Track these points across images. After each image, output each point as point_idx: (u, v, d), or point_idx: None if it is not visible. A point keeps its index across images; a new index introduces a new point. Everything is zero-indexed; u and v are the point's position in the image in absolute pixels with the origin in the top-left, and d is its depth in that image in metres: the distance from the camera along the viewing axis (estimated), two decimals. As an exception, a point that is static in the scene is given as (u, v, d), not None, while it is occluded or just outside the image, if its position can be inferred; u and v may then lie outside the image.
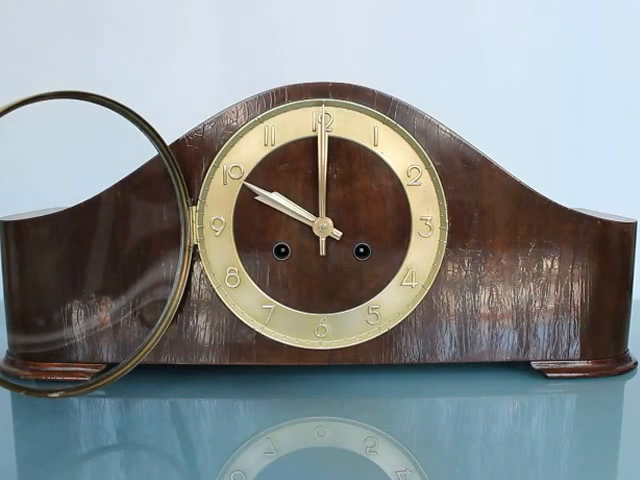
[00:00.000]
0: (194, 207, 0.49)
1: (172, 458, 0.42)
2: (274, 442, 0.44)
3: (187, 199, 0.48)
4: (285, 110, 0.48)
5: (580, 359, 0.52)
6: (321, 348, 0.50)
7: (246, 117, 0.48)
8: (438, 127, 0.48)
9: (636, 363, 0.54)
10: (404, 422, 0.47)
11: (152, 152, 0.47)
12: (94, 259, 0.49)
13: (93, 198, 0.49)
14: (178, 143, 0.48)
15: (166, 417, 0.47)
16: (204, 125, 0.48)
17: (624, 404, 0.51)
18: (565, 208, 0.50)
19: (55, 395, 0.41)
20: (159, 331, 0.48)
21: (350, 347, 0.50)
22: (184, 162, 0.48)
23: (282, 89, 0.48)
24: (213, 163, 0.48)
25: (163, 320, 0.48)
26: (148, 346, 0.47)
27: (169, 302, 0.48)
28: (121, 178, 0.49)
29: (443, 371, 0.53)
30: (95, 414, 0.46)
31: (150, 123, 0.45)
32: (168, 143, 0.47)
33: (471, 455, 0.42)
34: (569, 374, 0.52)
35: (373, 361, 0.51)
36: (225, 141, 0.48)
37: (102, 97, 0.42)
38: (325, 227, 0.48)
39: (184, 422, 0.47)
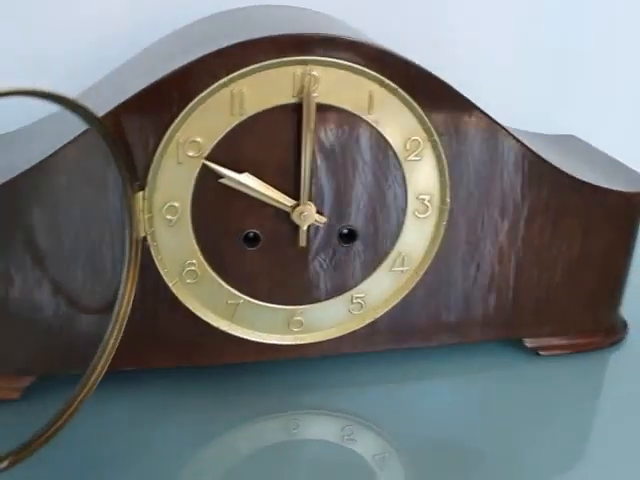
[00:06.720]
0: (141, 193, 0.41)
1: (131, 465, 0.41)
2: (242, 441, 0.44)
3: (131, 183, 0.40)
4: (258, 70, 0.39)
5: (572, 335, 0.51)
6: (296, 343, 0.46)
7: (207, 79, 0.39)
8: (447, 92, 0.42)
9: (626, 330, 0.54)
10: (381, 408, 0.46)
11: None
12: (15, 255, 0.41)
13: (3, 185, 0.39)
14: (113, 112, 0.39)
15: (124, 425, 0.44)
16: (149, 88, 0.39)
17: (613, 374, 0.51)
18: (578, 180, 0.46)
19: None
20: (111, 344, 0.41)
21: (329, 340, 0.47)
22: (125, 137, 0.39)
23: (254, 42, 0.39)
24: (165, 138, 0.40)
25: (114, 330, 0.42)
26: (100, 366, 0.41)
27: (117, 308, 0.42)
28: (39, 159, 0.39)
29: (430, 353, 0.51)
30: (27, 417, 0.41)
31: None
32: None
33: (452, 434, 0.44)
34: (562, 351, 0.51)
35: (357, 352, 0.48)
36: (179, 110, 0.39)
37: None
38: (307, 215, 0.42)
39: (144, 428, 0.44)
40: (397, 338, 0.48)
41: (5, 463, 0.35)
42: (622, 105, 0.70)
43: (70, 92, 0.50)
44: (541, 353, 0.51)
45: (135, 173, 0.40)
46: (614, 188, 0.47)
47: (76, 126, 0.39)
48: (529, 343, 0.50)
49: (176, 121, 0.39)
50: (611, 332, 0.52)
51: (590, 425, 0.46)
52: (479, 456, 0.42)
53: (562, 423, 0.45)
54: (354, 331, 0.46)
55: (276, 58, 0.39)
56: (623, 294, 0.51)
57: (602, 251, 0.48)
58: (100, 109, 0.39)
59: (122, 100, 0.39)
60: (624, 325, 0.54)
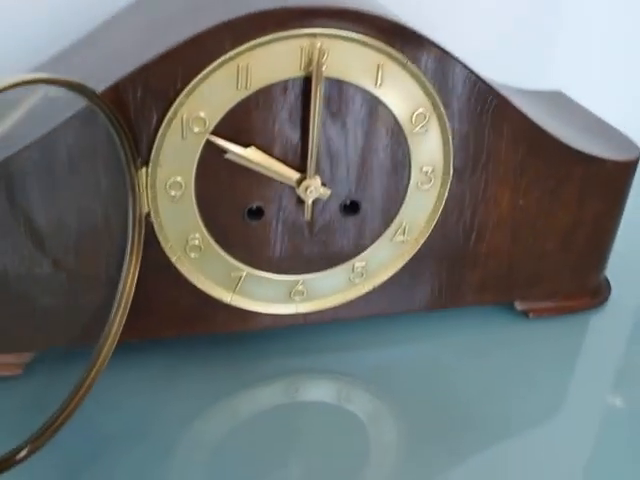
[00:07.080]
0: (144, 169, 0.40)
1: (137, 435, 0.41)
2: (245, 404, 0.45)
3: (135, 160, 0.39)
4: (265, 43, 0.38)
5: (560, 297, 0.52)
6: (298, 312, 0.47)
7: (212, 53, 0.38)
8: (455, 64, 0.41)
9: (609, 291, 0.55)
10: (377, 370, 0.48)
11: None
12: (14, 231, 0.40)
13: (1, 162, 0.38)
14: (116, 88, 0.37)
15: (128, 396, 0.44)
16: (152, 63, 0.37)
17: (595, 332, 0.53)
18: (577, 150, 0.46)
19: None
20: (117, 322, 0.41)
21: (331, 308, 0.47)
22: (127, 113, 0.38)
23: (260, 14, 0.37)
24: (168, 114, 0.38)
25: (119, 308, 0.41)
26: (107, 346, 0.41)
27: (121, 286, 0.41)
28: (38, 136, 0.38)
29: (420, 316, 0.52)
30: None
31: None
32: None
33: (445, 392, 0.46)
34: (551, 313, 0.52)
35: (355, 317, 0.48)
36: (184, 85, 0.38)
37: None
38: (313, 189, 0.42)
39: (148, 397, 0.44)
40: (395, 304, 0.49)
41: (24, 452, 0.35)
42: (605, 58, 0.70)
43: (48, 50, 0.49)
44: (530, 315, 0.52)
45: (138, 150, 0.39)
46: (608, 156, 0.48)
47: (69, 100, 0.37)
48: (519, 306, 0.52)
49: (180, 96, 0.38)
50: (597, 293, 0.54)
51: (571, 381, 0.49)
52: (469, 412, 0.45)
53: (546, 380, 0.48)
54: (358, 300, 0.47)
55: (284, 30, 0.38)
56: (609, 257, 0.53)
57: (593, 217, 0.49)
58: (94, 76, 0.37)
59: (124, 74, 0.37)
60: (608, 285, 0.55)
